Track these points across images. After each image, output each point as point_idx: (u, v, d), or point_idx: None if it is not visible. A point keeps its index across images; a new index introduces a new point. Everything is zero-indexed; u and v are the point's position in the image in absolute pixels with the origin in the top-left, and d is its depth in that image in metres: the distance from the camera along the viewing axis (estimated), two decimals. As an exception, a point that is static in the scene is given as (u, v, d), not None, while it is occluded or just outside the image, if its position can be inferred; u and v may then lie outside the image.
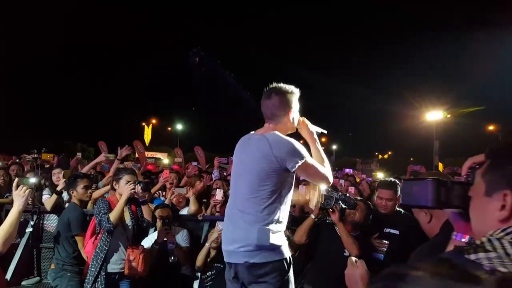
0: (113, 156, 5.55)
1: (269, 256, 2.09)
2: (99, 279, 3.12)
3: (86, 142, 30.37)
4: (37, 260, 4.05)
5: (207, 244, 3.77)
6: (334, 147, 48.00)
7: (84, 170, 4.80)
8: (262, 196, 2.13)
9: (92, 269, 3.14)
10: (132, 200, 3.43)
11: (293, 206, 4.60)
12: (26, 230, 3.85)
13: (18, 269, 3.67)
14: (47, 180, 4.44)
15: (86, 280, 3.15)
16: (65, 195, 4.14)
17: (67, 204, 3.99)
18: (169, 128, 45.46)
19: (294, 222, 3.89)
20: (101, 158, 5.20)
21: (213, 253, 3.80)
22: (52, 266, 3.55)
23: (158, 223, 3.90)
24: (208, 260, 3.79)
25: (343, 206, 3.10)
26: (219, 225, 3.75)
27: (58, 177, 4.30)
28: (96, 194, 3.99)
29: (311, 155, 2.28)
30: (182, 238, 4.02)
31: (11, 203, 2.56)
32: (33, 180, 2.49)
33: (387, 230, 3.27)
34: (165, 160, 19.37)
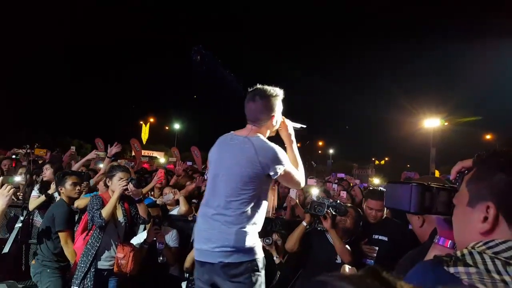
0: (104, 154, 5.55)
1: (243, 257, 2.13)
2: (89, 275, 3.13)
3: (83, 139, 30.31)
4: (26, 256, 4.04)
5: (196, 245, 3.77)
6: (331, 151, 48.03)
7: (75, 167, 4.79)
8: (243, 199, 2.15)
9: (82, 265, 3.15)
10: (125, 198, 3.45)
11: (284, 209, 4.61)
12: (16, 226, 3.85)
13: (6, 264, 3.67)
14: (38, 176, 4.43)
15: (74, 276, 3.15)
16: (34, 190, 4.10)
17: None
18: (167, 127, 45.44)
19: (284, 226, 3.90)
20: (91, 155, 5.22)
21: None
22: (33, 262, 3.54)
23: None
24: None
25: (334, 213, 3.10)
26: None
27: (45, 174, 4.26)
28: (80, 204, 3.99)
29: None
30: (171, 238, 4.02)
31: None
32: (17, 179, 2.50)
33: (376, 236, 3.28)
34: (161, 159, 19.35)
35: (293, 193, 4.39)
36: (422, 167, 22.99)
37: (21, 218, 3.70)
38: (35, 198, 3.92)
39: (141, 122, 40.58)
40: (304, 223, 3.25)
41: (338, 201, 3.29)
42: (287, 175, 2.23)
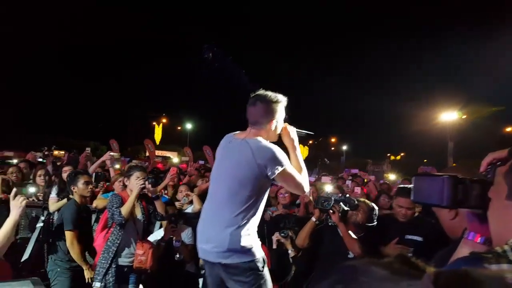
0: (118, 155, 5.64)
1: (240, 258, 2.16)
2: (110, 271, 3.23)
3: (98, 141, 30.81)
4: (47, 255, 4.15)
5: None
6: (345, 147, 47.54)
7: (91, 168, 4.90)
8: (239, 201, 2.17)
9: (103, 261, 3.25)
10: (143, 196, 3.57)
11: (297, 206, 4.62)
12: (37, 226, 3.96)
13: (29, 263, 3.78)
14: (57, 177, 4.54)
15: (96, 272, 3.25)
16: (53, 191, 4.15)
17: None
18: (179, 127, 45.75)
19: (298, 223, 3.91)
20: (106, 156, 5.32)
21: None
22: (49, 261, 3.63)
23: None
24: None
25: (345, 208, 3.10)
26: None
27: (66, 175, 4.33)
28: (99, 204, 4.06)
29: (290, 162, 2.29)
30: (187, 235, 4.09)
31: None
32: (32, 189, 2.51)
33: (409, 237, 3.13)
34: (175, 159, 19.50)
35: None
36: (439, 161, 22.56)
37: (42, 218, 3.80)
38: (55, 200, 4.02)
39: (154, 123, 40.96)
40: (313, 219, 3.26)
41: (348, 195, 3.29)
42: (286, 176, 2.19)
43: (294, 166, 2.31)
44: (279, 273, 3.43)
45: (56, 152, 6.44)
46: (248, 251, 2.17)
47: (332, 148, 47.24)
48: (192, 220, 4.34)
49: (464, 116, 25.88)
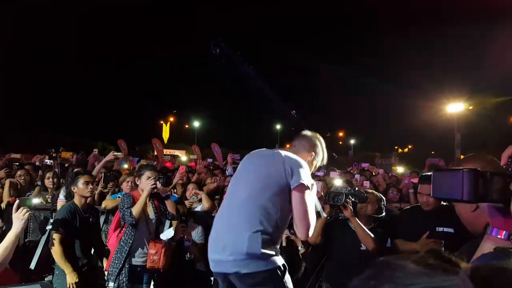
0: (122, 154, 5.63)
1: (260, 265, 1.99)
2: (124, 271, 3.25)
3: (106, 141, 31.02)
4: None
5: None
6: (352, 141, 47.40)
7: (96, 169, 4.89)
8: (259, 203, 2.06)
9: (116, 262, 3.26)
10: (155, 195, 3.55)
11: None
12: (46, 228, 3.95)
13: (39, 265, 3.77)
14: (65, 179, 4.54)
15: (109, 272, 3.25)
16: (61, 193, 4.15)
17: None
18: (187, 126, 45.91)
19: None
20: (109, 156, 5.29)
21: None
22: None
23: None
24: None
25: (354, 200, 3.09)
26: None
27: None
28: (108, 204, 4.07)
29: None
30: (197, 234, 4.08)
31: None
32: (35, 201, 2.47)
33: (440, 229, 3.03)
34: (183, 157, 19.58)
35: (318, 186, 4.37)
36: (447, 153, 22.36)
37: (51, 220, 3.79)
38: (63, 202, 4.01)
39: (161, 122, 41.15)
40: (325, 215, 3.24)
41: (357, 189, 3.29)
42: (303, 195, 2.10)
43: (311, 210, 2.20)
44: (290, 270, 3.40)
45: (64, 154, 6.45)
46: (268, 258, 2.00)
47: (340, 143, 47.05)
48: (202, 218, 4.33)
49: (471, 107, 25.65)
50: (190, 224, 4.08)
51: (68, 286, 3.28)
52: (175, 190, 5.20)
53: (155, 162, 8.57)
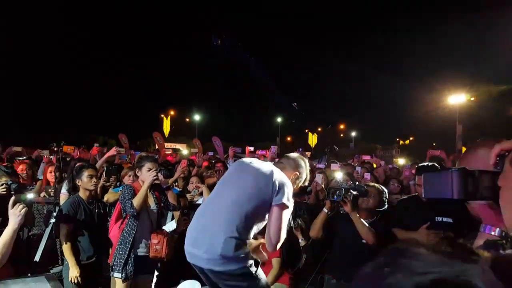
0: (124, 150, 5.65)
1: (233, 265, 2.13)
2: (130, 261, 3.27)
3: (107, 135, 31.06)
4: (61, 249, 4.20)
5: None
6: (353, 134, 47.30)
7: (98, 164, 4.91)
8: (241, 210, 2.19)
9: (120, 253, 3.27)
10: (155, 187, 3.56)
11: (308, 193, 4.60)
12: (50, 221, 4.00)
13: (43, 258, 3.82)
14: (68, 173, 4.56)
15: (114, 263, 3.28)
16: (64, 186, 4.19)
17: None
18: (187, 119, 45.86)
19: (308, 210, 3.91)
20: (112, 152, 5.33)
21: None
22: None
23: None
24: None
25: (355, 194, 3.09)
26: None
27: None
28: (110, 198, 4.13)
29: None
30: (198, 226, 4.10)
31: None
32: (30, 196, 2.49)
33: (439, 219, 3.07)
34: (184, 150, 19.58)
35: (318, 178, 4.40)
36: (448, 144, 22.32)
37: (54, 214, 3.83)
38: (65, 196, 4.05)
39: (162, 115, 41.08)
40: (325, 210, 3.26)
41: (357, 183, 3.31)
42: (280, 214, 2.24)
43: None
44: (291, 262, 3.44)
45: (65, 148, 6.47)
46: (240, 258, 2.14)
47: (341, 135, 46.98)
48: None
49: (473, 98, 25.53)
50: (191, 216, 4.11)
51: (70, 279, 3.34)
52: (176, 183, 5.23)
53: (156, 156, 8.59)
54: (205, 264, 2.16)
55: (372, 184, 3.52)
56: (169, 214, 4.41)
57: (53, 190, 4.48)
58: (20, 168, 5.19)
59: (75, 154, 6.80)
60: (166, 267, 3.68)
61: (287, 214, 2.30)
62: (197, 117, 43.21)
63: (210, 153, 10.70)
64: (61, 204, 3.88)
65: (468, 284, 0.43)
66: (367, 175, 5.34)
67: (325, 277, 3.33)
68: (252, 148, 8.02)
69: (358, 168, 6.13)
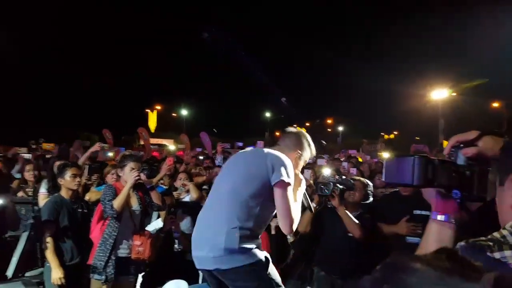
0: (108, 146, 5.53)
1: (239, 260, 1.99)
2: (110, 263, 3.19)
3: (90, 130, 30.44)
4: (41, 251, 4.05)
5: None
6: (341, 128, 47.73)
7: (81, 160, 4.78)
8: (239, 200, 2.07)
9: (101, 254, 3.20)
10: (139, 186, 3.47)
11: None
12: (28, 222, 3.85)
13: (21, 261, 3.68)
14: (47, 172, 4.41)
15: (93, 265, 3.19)
16: (43, 186, 4.05)
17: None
18: (174, 114, 45.40)
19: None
20: (95, 147, 5.22)
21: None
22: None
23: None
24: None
25: (342, 188, 3.12)
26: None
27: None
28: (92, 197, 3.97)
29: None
30: (185, 225, 4.03)
31: None
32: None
33: (418, 212, 3.14)
34: (171, 146, 19.34)
35: (307, 174, 4.38)
36: (431, 139, 22.71)
37: (33, 214, 3.69)
38: (45, 196, 3.90)
39: (147, 110, 40.54)
40: (314, 204, 3.26)
41: (344, 177, 3.39)
42: (284, 191, 2.08)
43: (296, 202, 2.22)
44: (279, 257, 3.47)
45: (45, 145, 6.27)
46: (247, 252, 2.01)
47: (329, 130, 47.31)
48: (190, 209, 4.28)
49: (454, 94, 26.03)
50: (178, 214, 4.04)
51: (52, 281, 3.23)
52: (162, 181, 5.13)
53: (141, 152, 8.44)
54: (212, 264, 2.03)
55: (358, 178, 3.59)
56: (155, 213, 4.31)
57: (31, 190, 4.32)
58: (27, 169, 4.99)
59: (56, 152, 6.62)
60: (151, 267, 3.60)
61: (291, 191, 2.14)
62: (184, 112, 42.86)
63: (198, 149, 10.59)
64: (40, 204, 3.74)
65: None
66: (353, 170, 5.39)
67: (315, 269, 3.39)
68: (241, 144, 7.98)
69: (345, 164, 6.20)
